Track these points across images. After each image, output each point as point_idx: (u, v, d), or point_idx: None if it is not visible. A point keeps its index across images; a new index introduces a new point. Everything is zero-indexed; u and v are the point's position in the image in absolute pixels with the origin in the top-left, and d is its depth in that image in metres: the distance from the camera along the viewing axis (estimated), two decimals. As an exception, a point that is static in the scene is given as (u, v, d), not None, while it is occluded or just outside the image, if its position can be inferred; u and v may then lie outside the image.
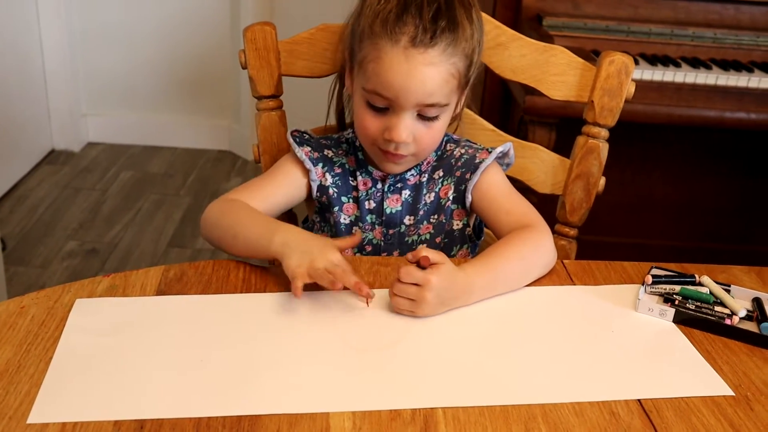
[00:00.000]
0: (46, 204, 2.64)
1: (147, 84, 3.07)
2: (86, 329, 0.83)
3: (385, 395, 0.76)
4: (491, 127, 1.20)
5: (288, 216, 1.19)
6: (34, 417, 0.70)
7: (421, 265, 0.87)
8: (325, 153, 1.09)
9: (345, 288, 0.86)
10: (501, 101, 2.14)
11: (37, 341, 0.80)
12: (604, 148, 1.15)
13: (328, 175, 1.08)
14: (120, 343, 0.81)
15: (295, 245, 0.90)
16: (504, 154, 1.09)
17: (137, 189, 2.78)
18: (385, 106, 0.98)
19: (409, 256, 0.88)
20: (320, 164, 1.08)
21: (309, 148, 1.08)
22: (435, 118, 0.99)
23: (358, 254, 1.09)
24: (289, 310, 0.89)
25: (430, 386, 0.77)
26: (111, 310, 0.86)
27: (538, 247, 0.98)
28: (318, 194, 1.08)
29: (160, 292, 0.90)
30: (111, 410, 0.72)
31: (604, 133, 1.15)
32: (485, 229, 1.17)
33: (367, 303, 0.89)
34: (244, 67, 1.13)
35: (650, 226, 2.10)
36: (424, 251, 0.87)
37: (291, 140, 1.08)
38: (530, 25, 1.94)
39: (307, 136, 1.10)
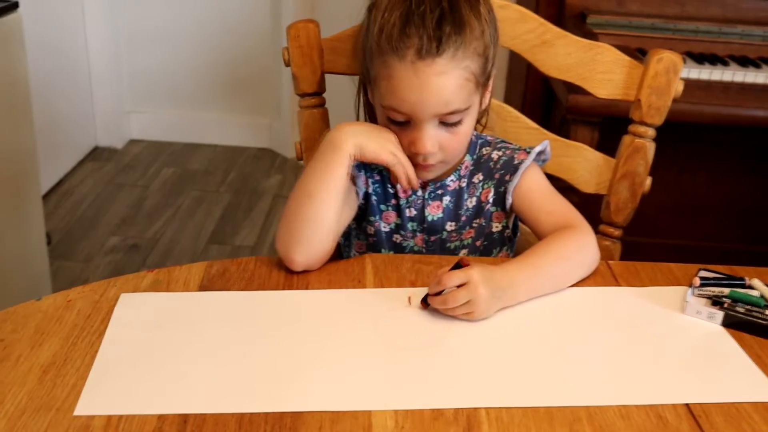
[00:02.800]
0: (90, 200, 2.68)
1: (189, 82, 3.10)
2: (131, 323, 0.84)
3: (428, 394, 0.75)
4: (534, 125, 1.19)
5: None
6: (81, 409, 0.71)
7: (461, 265, 0.87)
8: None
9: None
10: (543, 100, 2.12)
11: (83, 335, 0.81)
12: (650, 148, 1.13)
13: (369, 182, 1.06)
14: (164, 338, 0.82)
15: (364, 136, 0.97)
16: (541, 151, 1.07)
17: (178, 185, 2.81)
18: (406, 120, 0.95)
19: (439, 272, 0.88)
20: (362, 170, 1.06)
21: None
22: (459, 123, 0.96)
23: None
24: (331, 307, 0.89)
25: (473, 386, 0.77)
26: (155, 305, 0.87)
27: (582, 247, 0.97)
28: (362, 201, 1.07)
29: (202, 287, 0.91)
30: (155, 404, 0.72)
31: (651, 132, 1.13)
32: (521, 226, 1.15)
33: (409, 301, 0.89)
34: (288, 65, 1.13)
35: (695, 228, 2.06)
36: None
37: None
38: (574, 23, 1.92)
39: None
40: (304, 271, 0.95)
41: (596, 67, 1.14)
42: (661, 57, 1.09)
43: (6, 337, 0.80)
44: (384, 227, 1.07)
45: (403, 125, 0.96)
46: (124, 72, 3.08)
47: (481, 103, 1.01)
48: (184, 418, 0.70)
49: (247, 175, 2.92)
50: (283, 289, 0.91)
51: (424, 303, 0.88)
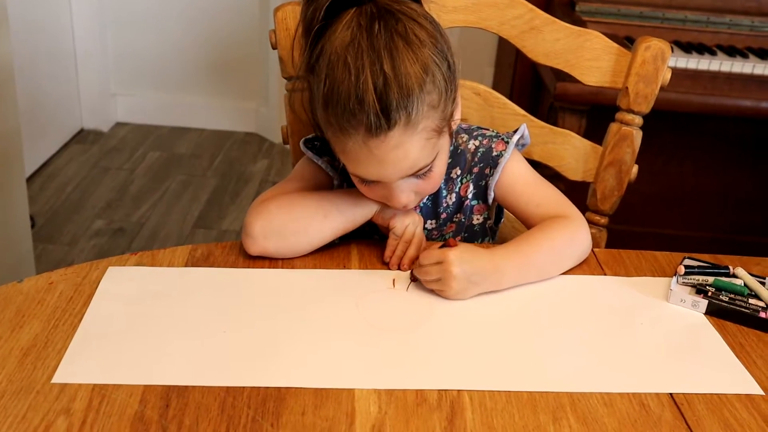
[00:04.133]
0: (75, 183, 2.66)
1: (176, 65, 3.07)
2: (116, 296, 0.84)
3: (411, 375, 0.75)
4: (522, 112, 1.18)
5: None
6: (59, 377, 0.71)
7: (448, 246, 0.88)
8: (337, 164, 1.04)
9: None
10: (531, 87, 2.12)
11: (64, 317, 0.80)
12: (637, 136, 1.13)
13: (346, 184, 1.04)
14: (149, 311, 0.82)
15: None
16: (519, 137, 1.04)
17: (164, 169, 2.79)
18: (373, 180, 0.90)
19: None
20: (341, 174, 1.03)
21: (327, 157, 1.03)
22: (430, 170, 0.90)
23: None
24: (315, 286, 0.89)
25: (456, 368, 0.77)
26: (141, 279, 0.88)
27: (573, 237, 0.96)
28: None
29: (186, 271, 0.90)
30: (138, 375, 0.73)
31: (638, 120, 1.13)
32: (506, 213, 1.14)
33: (393, 284, 0.89)
34: (275, 48, 1.12)
35: (681, 217, 2.07)
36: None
37: (308, 152, 1.03)
38: (563, 10, 1.92)
39: (318, 144, 1.04)
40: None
41: (584, 54, 1.13)
42: (649, 45, 1.09)
43: (-14, 319, 0.79)
44: (366, 228, 1.05)
45: (371, 183, 0.91)
46: (110, 54, 3.05)
47: (450, 130, 0.93)
48: (168, 390, 0.71)
49: (233, 160, 2.91)
50: (268, 273, 0.91)
51: (412, 276, 0.91)
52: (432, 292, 0.88)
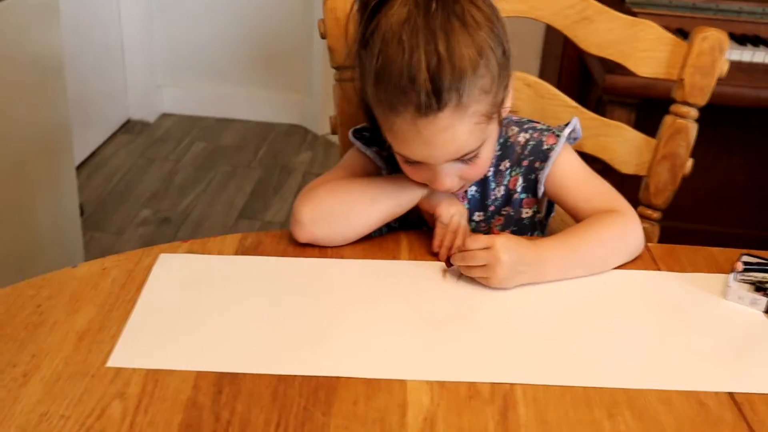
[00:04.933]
0: (122, 172, 2.69)
1: (221, 57, 3.09)
2: (168, 283, 0.85)
3: (463, 367, 0.75)
4: (573, 103, 1.16)
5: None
6: (114, 361, 0.72)
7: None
8: (391, 152, 1.05)
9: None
10: (578, 80, 2.08)
11: (117, 303, 0.81)
12: (692, 129, 1.10)
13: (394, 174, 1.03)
14: (200, 298, 0.83)
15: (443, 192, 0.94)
16: (570, 130, 1.02)
17: (209, 160, 2.82)
18: (418, 161, 0.89)
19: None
20: (389, 164, 1.03)
21: (376, 147, 1.03)
22: (476, 156, 0.89)
23: None
24: (365, 276, 0.88)
25: (509, 362, 0.76)
26: (193, 266, 0.88)
27: (625, 232, 0.94)
28: None
29: (237, 259, 0.91)
30: (190, 361, 0.73)
31: (694, 112, 1.10)
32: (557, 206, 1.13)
33: (444, 275, 0.89)
34: (323, 37, 1.12)
35: (732, 214, 2.02)
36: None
37: (356, 142, 1.03)
38: (613, 1, 1.88)
39: (367, 134, 1.03)
40: (333, 246, 0.94)
41: (638, 45, 1.11)
42: (706, 35, 1.07)
43: (42, 302, 0.80)
44: (411, 219, 1.05)
45: (417, 164, 0.91)
46: (157, 46, 3.08)
47: (499, 117, 0.92)
48: (221, 376, 0.71)
49: (277, 151, 2.92)
50: (317, 262, 0.91)
51: (448, 263, 0.89)
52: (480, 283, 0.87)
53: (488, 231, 1.05)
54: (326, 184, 0.97)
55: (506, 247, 0.86)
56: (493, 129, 0.91)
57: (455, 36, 0.82)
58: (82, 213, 2.01)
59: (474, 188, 1.03)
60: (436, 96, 0.81)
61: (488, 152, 0.92)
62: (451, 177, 0.91)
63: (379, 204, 0.94)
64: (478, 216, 1.04)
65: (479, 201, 1.04)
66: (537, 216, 1.06)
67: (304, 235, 0.93)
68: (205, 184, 2.65)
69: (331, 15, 1.10)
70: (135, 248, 2.32)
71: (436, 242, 0.94)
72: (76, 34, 2.52)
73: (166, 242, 0.94)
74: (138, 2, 2.95)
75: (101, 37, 2.84)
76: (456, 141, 0.86)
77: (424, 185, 0.95)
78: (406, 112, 0.83)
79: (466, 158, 0.89)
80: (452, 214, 0.95)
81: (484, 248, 0.86)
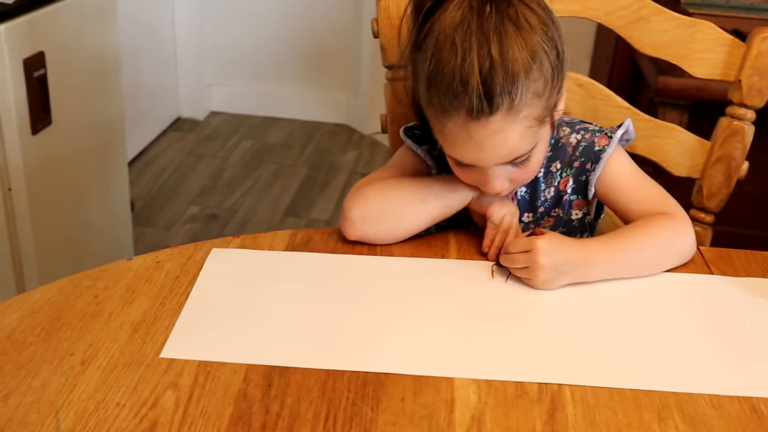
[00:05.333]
0: (171, 169, 2.74)
1: (269, 56, 3.13)
2: (220, 277, 0.86)
3: (511, 366, 0.74)
4: (626, 104, 1.15)
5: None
6: (167, 352, 0.74)
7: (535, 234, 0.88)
8: (441, 152, 1.05)
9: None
10: (629, 81, 2.06)
11: (171, 295, 0.83)
12: (749, 131, 1.08)
13: (443, 174, 1.03)
14: (251, 292, 0.84)
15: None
16: (623, 132, 1.01)
17: (256, 158, 2.85)
18: (469, 164, 0.89)
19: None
20: (439, 163, 1.03)
21: (427, 146, 1.03)
22: (528, 159, 0.89)
23: None
24: (413, 274, 0.89)
25: (557, 362, 0.76)
26: (244, 261, 0.90)
27: (676, 235, 0.93)
28: None
29: (287, 255, 0.92)
30: (241, 354, 0.74)
31: (751, 114, 1.08)
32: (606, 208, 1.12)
33: (492, 274, 0.89)
34: (376, 36, 1.12)
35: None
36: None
37: (407, 140, 1.03)
38: (667, 1, 1.85)
39: (418, 132, 1.03)
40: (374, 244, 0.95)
41: (694, 46, 1.09)
42: (765, 36, 1.04)
43: (99, 293, 0.82)
44: (461, 218, 1.05)
45: (467, 167, 0.90)
46: (208, 45, 3.13)
47: (552, 120, 0.91)
48: (271, 370, 0.72)
49: (324, 150, 2.94)
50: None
51: (498, 263, 0.90)
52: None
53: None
54: (377, 182, 0.97)
55: (547, 248, 0.85)
56: (545, 132, 0.90)
57: (508, 39, 0.82)
58: (132, 208, 2.05)
59: (524, 189, 1.02)
60: (488, 100, 0.81)
61: (539, 155, 0.92)
62: (501, 180, 0.90)
63: (429, 204, 0.95)
64: (527, 217, 1.03)
65: (529, 202, 1.03)
66: (587, 218, 1.05)
67: (354, 232, 0.93)
68: (252, 181, 2.69)
69: (384, 14, 1.11)
70: (182, 243, 2.37)
71: (486, 242, 0.93)
72: (131, 33, 2.58)
73: (212, 238, 0.95)
74: (191, 4, 3.00)
75: (155, 36, 2.89)
76: (507, 145, 0.85)
77: (474, 187, 0.95)
78: (458, 115, 0.83)
79: (517, 162, 0.89)
80: (503, 214, 0.94)
81: (524, 251, 0.86)
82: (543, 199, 1.02)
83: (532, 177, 0.95)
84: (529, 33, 0.83)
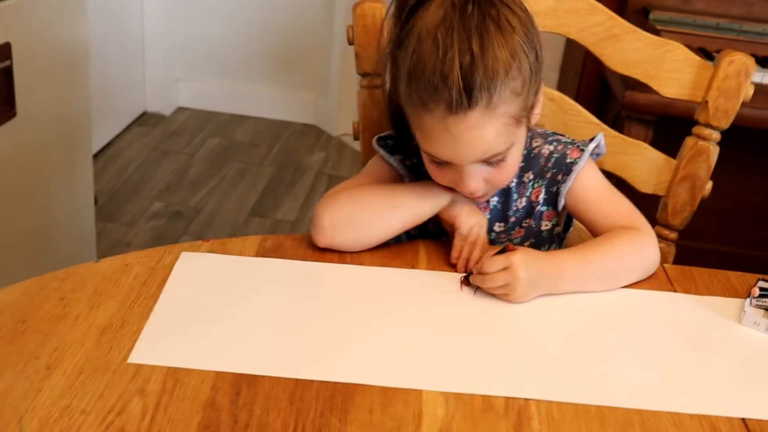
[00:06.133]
0: (136, 164, 2.71)
1: (239, 53, 3.10)
2: (189, 281, 0.86)
3: (478, 380, 0.75)
4: (596, 121, 1.17)
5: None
6: (134, 357, 0.73)
7: (507, 251, 0.88)
8: (415, 161, 1.04)
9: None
10: (598, 95, 2.09)
11: (139, 299, 0.82)
12: (714, 151, 1.11)
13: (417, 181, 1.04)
14: (221, 298, 0.84)
15: (464, 202, 0.95)
16: (595, 145, 1.03)
17: (223, 156, 2.83)
18: (446, 161, 0.90)
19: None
20: (412, 172, 1.03)
21: (400, 156, 1.03)
22: (503, 159, 0.90)
23: None
24: (383, 284, 0.89)
25: (524, 376, 0.77)
26: (214, 265, 0.89)
27: (640, 248, 0.95)
28: None
29: (257, 261, 0.91)
30: (210, 361, 0.74)
31: (716, 135, 1.11)
32: (575, 222, 1.13)
33: (461, 287, 0.89)
34: (351, 43, 1.12)
35: (750, 237, 2.02)
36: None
37: (380, 149, 1.04)
38: (636, 18, 1.88)
39: (391, 142, 1.04)
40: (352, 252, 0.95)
41: (664, 65, 1.11)
42: (732, 59, 1.07)
43: (66, 296, 0.81)
44: (432, 228, 1.05)
45: (444, 165, 0.91)
46: (177, 40, 3.09)
47: (528, 122, 0.93)
48: (239, 377, 0.72)
49: (291, 150, 2.93)
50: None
51: (465, 281, 0.89)
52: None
53: (509, 241, 1.05)
54: (348, 190, 0.98)
55: (524, 263, 0.86)
56: (522, 134, 0.92)
57: (489, 37, 0.83)
58: (95, 203, 2.02)
59: (496, 199, 1.03)
60: (467, 94, 0.82)
61: (515, 157, 0.93)
62: (476, 179, 0.91)
63: (399, 212, 0.95)
64: (498, 227, 1.04)
65: (501, 212, 1.04)
66: (556, 229, 1.07)
67: (324, 239, 0.93)
68: (218, 179, 2.66)
69: (360, 21, 1.11)
70: (146, 240, 2.33)
71: (454, 254, 0.94)
72: (99, 26, 2.53)
73: (176, 236, 0.95)
74: (159, -4, 2.97)
75: (123, 30, 2.85)
76: (484, 141, 0.86)
77: (446, 192, 0.95)
78: (437, 109, 0.84)
79: (493, 161, 0.90)
80: (471, 225, 0.95)
81: (502, 269, 0.86)
82: (515, 209, 1.04)
83: (508, 180, 0.97)
84: (510, 33, 0.85)
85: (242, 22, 3.04)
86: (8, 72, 1.49)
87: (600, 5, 1.13)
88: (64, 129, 1.76)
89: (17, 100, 1.53)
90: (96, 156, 2.69)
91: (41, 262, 1.70)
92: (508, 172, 0.93)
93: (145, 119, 3.05)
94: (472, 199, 0.97)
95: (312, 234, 0.94)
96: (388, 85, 0.98)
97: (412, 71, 0.86)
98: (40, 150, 1.67)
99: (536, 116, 0.94)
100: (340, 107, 2.97)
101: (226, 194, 2.58)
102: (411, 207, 0.96)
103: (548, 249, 1.07)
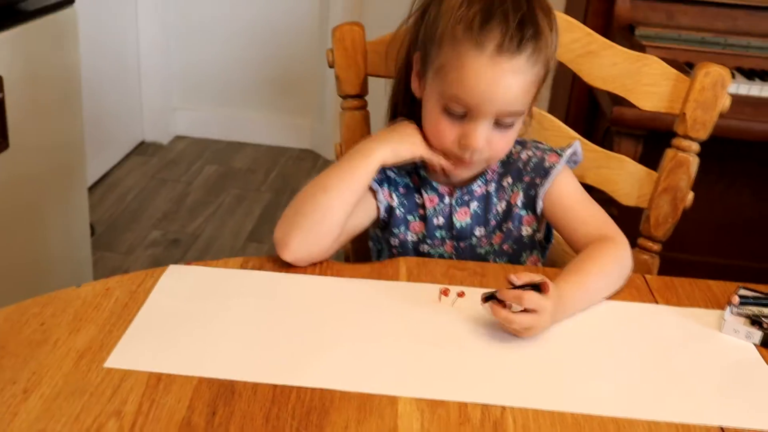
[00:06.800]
0: (134, 193, 2.72)
1: (234, 80, 3.14)
2: (173, 292, 0.88)
3: (455, 387, 0.76)
4: (576, 135, 1.17)
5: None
6: (113, 362, 0.75)
7: (540, 287, 0.84)
8: (387, 173, 1.06)
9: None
10: (587, 111, 2.10)
11: (119, 323, 0.83)
12: (694, 163, 1.11)
13: (394, 195, 1.06)
14: (203, 307, 0.86)
15: (385, 135, 0.99)
16: (572, 152, 1.06)
17: (220, 183, 2.85)
18: (463, 113, 0.95)
19: (513, 278, 0.85)
20: (385, 185, 1.05)
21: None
22: (510, 126, 0.97)
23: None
24: (363, 296, 0.91)
25: (501, 384, 0.77)
26: (200, 278, 0.92)
27: (619, 260, 0.96)
28: (385, 215, 1.06)
29: (238, 282, 0.92)
30: (188, 367, 0.76)
31: (695, 146, 1.11)
32: (556, 235, 1.14)
33: (439, 298, 0.90)
34: (332, 66, 1.14)
35: (737, 247, 2.02)
36: (526, 276, 0.85)
37: None
38: (622, 34, 1.90)
39: None
40: (339, 268, 0.95)
41: (642, 79, 1.12)
42: (708, 71, 1.08)
43: (46, 320, 0.82)
44: (411, 237, 1.06)
45: (457, 119, 0.96)
46: (173, 69, 3.13)
47: (530, 111, 1.02)
48: (221, 383, 0.74)
49: (288, 176, 2.95)
50: (317, 286, 0.93)
51: (488, 299, 0.84)
52: (478, 307, 0.87)
53: (490, 246, 1.07)
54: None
55: (553, 311, 0.84)
56: (524, 115, 0.99)
57: (536, 10, 0.94)
58: (92, 233, 2.04)
59: (476, 204, 1.05)
60: (518, 39, 0.91)
61: (515, 131, 0.99)
62: (483, 137, 0.95)
63: (333, 190, 0.96)
64: (479, 231, 1.06)
65: (482, 216, 1.06)
66: (537, 236, 1.08)
67: (284, 252, 0.95)
68: (216, 206, 2.68)
69: (339, 45, 1.13)
70: (143, 268, 2.33)
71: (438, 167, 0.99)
72: (96, 56, 2.57)
73: (174, 263, 0.96)
74: (156, 26, 3.00)
75: (119, 59, 2.89)
76: (514, 91, 0.93)
77: (376, 147, 0.98)
78: (488, 47, 0.91)
79: (505, 121, 0.95)
80: (425, 146, 0.99)
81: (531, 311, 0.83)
82: (495, 212, 1.06)
83: (503, 153, 1.01)
84: (550, 16, 0.96)
85: (236, 49, 3.08)
86: (0, 104, 1.51)
87: (577, 22, 1.14)
88: (57, 160, 1.77)
89: (10, 132, 1.55)
90: (94, 186, 2.71)
91: (37, 293, 1.71)
92: (507, 142, 0.99)
93: (143, 148, 3.07)
94: (466, 164, 0.99)
95: (277, 252, 0.96)
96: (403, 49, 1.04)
97: (463, 13, 0.92)
98: (34, 181, 1.68)
99: (527, 120, 1.00)
100: (336, 131, 2.98)
101: (224, 221, 2.59)
102: (342, 178, 0.97)
103: (530, 255, 1.08)
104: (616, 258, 0.96)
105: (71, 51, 1.76)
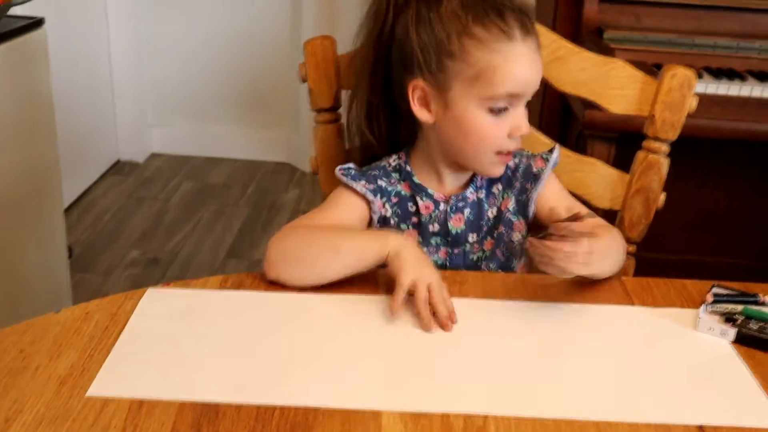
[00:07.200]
0: (111, 213, 2.71)
1: (209, 97, 3.13)
2: (153, 315, 0.88)
3: (436, 398, 0.76)
4: (550, 140, 1.19)
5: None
6: (95, 390, 0.75)
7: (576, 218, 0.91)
8: (379, 183, 1.06)
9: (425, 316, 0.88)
10: (560, 115, 2.12)
11: (100, 347, 0.82)
12: (664, 163, 1.13)
13: (387, 206, 1.07)
14: (184, 330, 0.86)
15: (409, 254, 0.92)
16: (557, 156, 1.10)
17: (198, 200, 2.84)
18: (506, 106, 0.98)
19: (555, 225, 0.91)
20: (378, 195, 1.06)
21: (364, 181, 1.05)
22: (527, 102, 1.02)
23: None
24: (343, 311, 0.91)
25: (483, 393, 0.78)
26: (179, 300, 0.91)
27: (619, 240, 1.02)
28: (378, 225, 1.07)
29: (218, 301, 0.92)
30: (171, 391, 0.75)
31: (665, 147, 1.13)
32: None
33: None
34: (304, 80, 1.15)
35: (712, 244, 2.05)
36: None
37: (343, 178, 1.05)
38: (591, 38, 1.92)
39: (353, 171, 1.07)
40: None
41: (610, 83, 1.14)
42: (675, 72, 1.10)
43: (25, 348, 0.81)
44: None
45: (499, 115, 0.98)
46: (147, 86, 3.12)
47: None
48: (204, 406, 0.73)
49: (265, 190, 2.95)
50: (297, 302, 0.93)
51: (539, 237, 0.91)
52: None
53: (482, 252, 1.08)
54: (301, 227, 1.00)
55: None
56: None
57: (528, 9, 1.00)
58: (70, 254, 2.02)
59: (468, 210, 1.07)
60: (529, 21, 0.98)
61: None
62: (527, 119, 1.00)
63: (342, 256, 0.95)
64: (472, 237, 1.08)
65: (475, 222, 1.08)
66: (525, 243, 1.09)
67: (270, 273, 0.95)
68: (194, 223, 2.67)
69: (311, 59, 1.13)
70: (123, 289, 2.32)
71: (393, 305, 0.89)
72: (67, 74, 2.56)
73: (154, 282, 0.96)
74: (128, 43, 2.99)
75: (91, 77, 2.88)
76: (540, 66, 0.99)
77: (391, 242, 0.94)
78: (515, 34, 0.95)
79: (527, 101, 1.00)
80: (414, 279, 0.89)
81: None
82: (486, 218, 1.08)
83: (527, 132, 1.02)
84: (533, 19, 1.01)
85: (210, 65, 3.08)
86: (-29, 130, 1.50)
87: (544, 28, 1.15)
88: (33, 183, 1.76)
89: (-18, 157, 1.54)
90: (70, 207, 2.69)
91: (15, 318, 1.69)
92: (527, 123, 1.02)
93: (119, 167, 3.06)
94: (509, 155, 1.02)
95: (263, 267, 0.96)
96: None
97: (467, 19, 0.96)
98: (9, 205, 1.67)
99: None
100: (312, 143, 2.99)
101: (202, 238, 2.58)
102: (354, 253, 0.96)
103: (520, 262, 1.10)
104: (615, 238, 1.01)
105: (42, 72, 1.76)
